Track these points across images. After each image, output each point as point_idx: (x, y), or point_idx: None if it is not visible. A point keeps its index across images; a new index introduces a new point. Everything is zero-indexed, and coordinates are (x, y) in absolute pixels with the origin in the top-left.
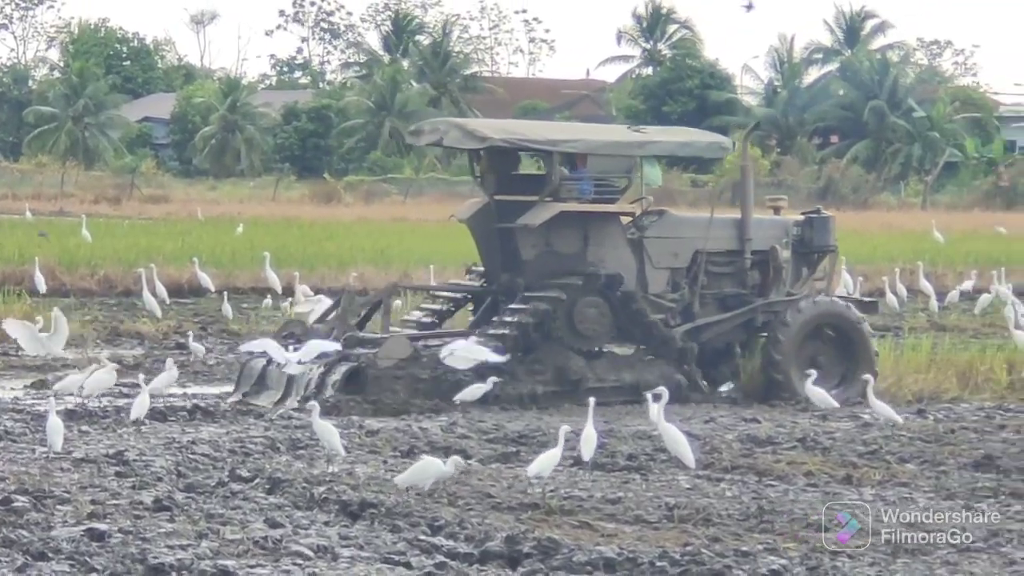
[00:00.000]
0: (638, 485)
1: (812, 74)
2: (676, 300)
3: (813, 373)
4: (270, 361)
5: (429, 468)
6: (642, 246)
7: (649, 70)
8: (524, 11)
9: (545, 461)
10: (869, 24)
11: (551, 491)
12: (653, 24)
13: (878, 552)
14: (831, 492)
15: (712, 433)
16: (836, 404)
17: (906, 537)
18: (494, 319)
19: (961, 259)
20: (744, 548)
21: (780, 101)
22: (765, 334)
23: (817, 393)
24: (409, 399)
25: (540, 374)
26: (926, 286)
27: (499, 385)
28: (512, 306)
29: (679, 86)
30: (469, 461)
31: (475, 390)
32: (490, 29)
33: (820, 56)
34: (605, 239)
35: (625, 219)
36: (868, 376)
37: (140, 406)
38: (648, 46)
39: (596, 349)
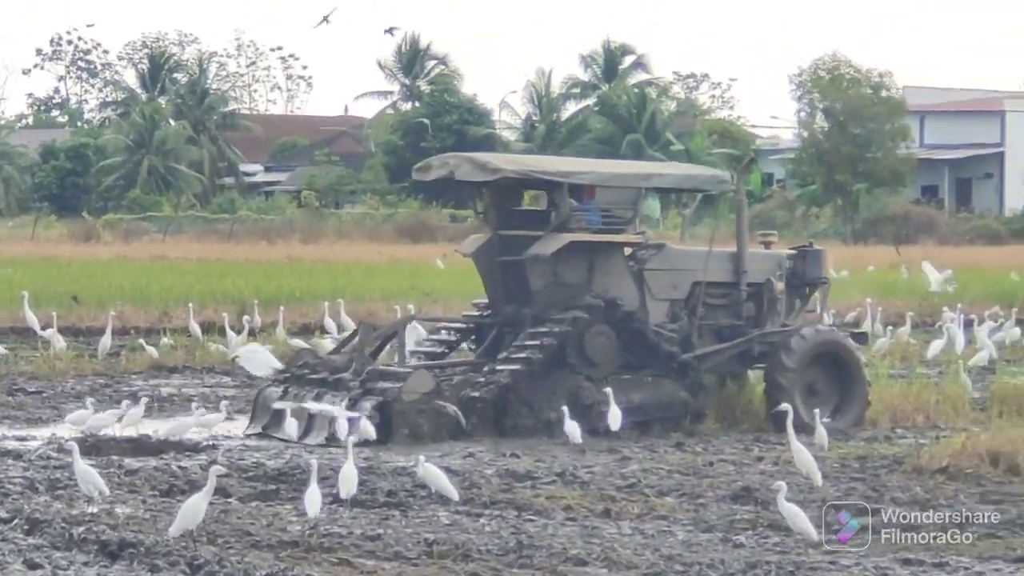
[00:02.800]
0: (397, 521)
1: (570, 108)
2: (675, 330)
3: (819, 413)
4: (286, 392)
5: (197, 506)
6: (642, 278)
7: (408, 105)
8: (280, 48)
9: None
10: (627, 59)
11: (311, 529)
12: (412, 59)
13: None
14: (590, 526)
15: (471, 468)
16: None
17: (665, 569)
18: (507, 350)
19: None
20: None
21: (538, 136)
22: (761, 365)
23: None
24: (434, 432)
25: (553, 401)
26: None
27: (514, 413)
28: (530, 332)
29: (437, 122)
30: (229, 500)
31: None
32: (247, 66)
33: (578, 91)
34: (610, 269)
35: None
36: (786, 406)
37: None
38: (407, 81)
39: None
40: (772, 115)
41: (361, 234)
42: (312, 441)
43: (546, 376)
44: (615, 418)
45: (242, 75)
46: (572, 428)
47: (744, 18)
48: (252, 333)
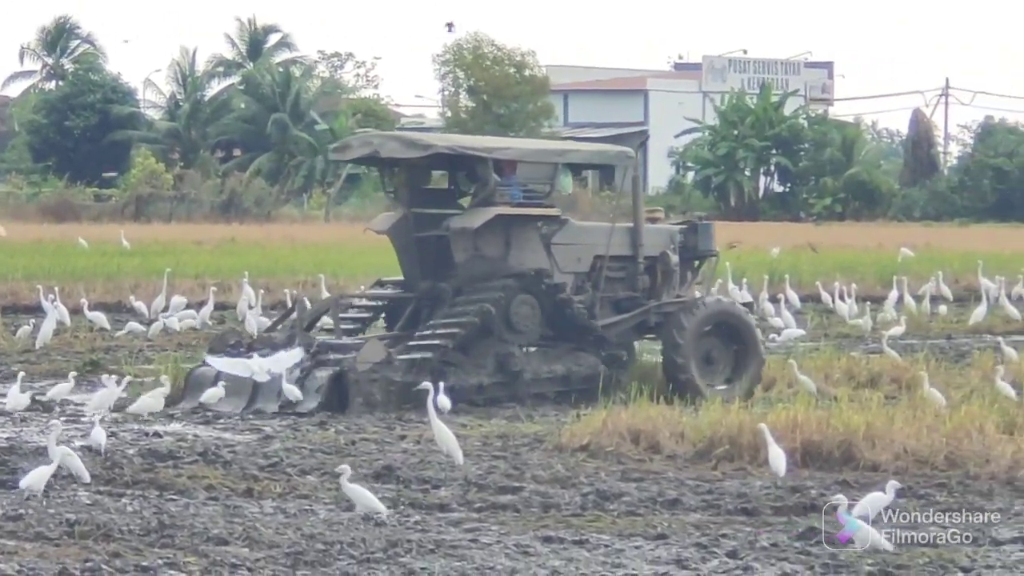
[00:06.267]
0: (39, 502)
1: (215, 87)
2: (581, 302)
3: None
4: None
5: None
6: (550, 251)
7: (52, 84)
8: None
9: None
10: (272, 38)
11: None
12: (56, 38)
13: (278, 564)
14: (232, 505)
15: (114, 448)
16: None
17: (307, 548)
18: (437, 319)
19: (362, 270)
20: (145, 563)
21: (183, 115)
22: (653, 335)
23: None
24: (386, 401)
25: (484, 367)
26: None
27: (451, 377)
28: (465, 299)
29: (81, 100)
30: None
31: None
32: None
33: (222, 69)
34: (525, 243)
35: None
36: (428, 384)
37: None
38: (51, 61)
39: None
40: (417, 94)
41: (4, 213)
42: (268, 409)
43: (474, 344)
44: (444, 403)
45: None
46: (444, 401)
47: None
48: None
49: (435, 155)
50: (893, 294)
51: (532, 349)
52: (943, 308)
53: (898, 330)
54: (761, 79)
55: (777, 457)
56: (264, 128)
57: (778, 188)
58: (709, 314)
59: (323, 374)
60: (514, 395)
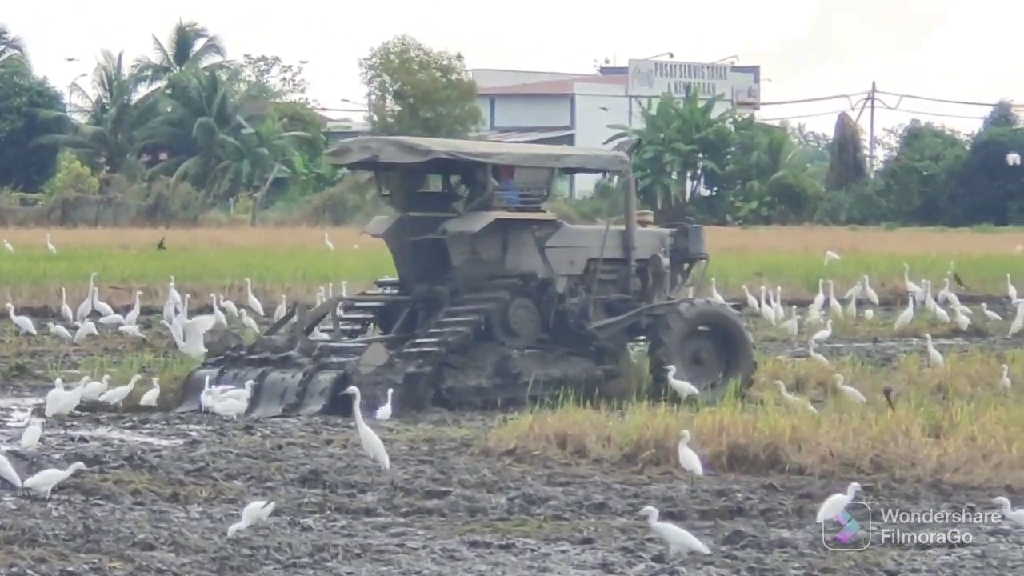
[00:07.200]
0: None
1: (141, 91)
2: (575, 304)
3: (673, 368)
4: (222, 373)
5: None
6: (544, 255)
7: None
8: None
9: None
10: (198, 42)
11: None
12: None
13: (205, 569)
14: (158, 510)
15: (40, 452)
16: (695, 390)
17: (233, 553)
18: (438, 322)
19: (289, 274)
20: (70, 568)
21: (109, 119)
22: (643, 337)
23: (680, 385)
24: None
25: (483, 370)
26: (254, 303)
27: (450, 379)
28: (467, 298)
29: (7, 104)
30: None
31: None
32: None
33: (149, 73)
34: (521, 247)
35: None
36: (354, 388)
37: None
38: None
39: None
40: (343, 98)
41: None
42: (269, 414)
43: (473, 347)
44: (385, 412)
45: None
46: (385, 411)
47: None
48: None
49: (433, 160)
50: (819, 297)
51: (529, 351)
52: (869, 312)
53: (824, 334)
54: (688, 83)
55: (689, 458)
56: (190, 132)
57: (705, 192)
58: (697, 315)
59: (326, 377)
60: (512, 398)
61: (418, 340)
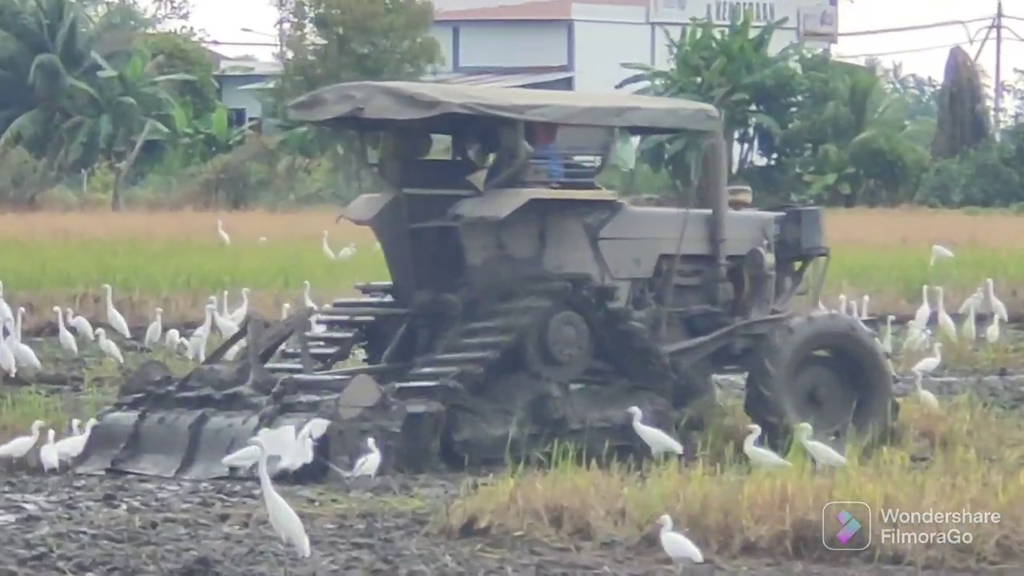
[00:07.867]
0: None
1: None
2: (642, 320)
3: (757, 430)
4: (143, 416)
5: None
6: (598, 249)
7: None
8: None
9: None
10: None
11: None
12: None
13: None
14: None
15: None
16: (675, 444)
17: None
18: (442, 352)
19: (167, 279)
20: None
21: None
22: (732, 367)
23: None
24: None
25: (512, 413)
26: (117, 319)
27: (466, 429)
28: (474, 326)
29: None
30: None
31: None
32: None
33: None
34: (566, 239)
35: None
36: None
37: None
38: None
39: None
40: (244, 27)
41: None
42: (212, 473)
43: (497, 381)
44: (372, 465)
45: None
46: (371, 462)
47: None
48: None
49: (442, 116)
50: (923, 310)
51: (577, 388)
52: (993, 331)
53: (931, 362)
54: (735, 3)
55: (678, 542)
56: (26, 76)
57: (760, 160)
58: (815, 334)
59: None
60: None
61: (421, 370)
